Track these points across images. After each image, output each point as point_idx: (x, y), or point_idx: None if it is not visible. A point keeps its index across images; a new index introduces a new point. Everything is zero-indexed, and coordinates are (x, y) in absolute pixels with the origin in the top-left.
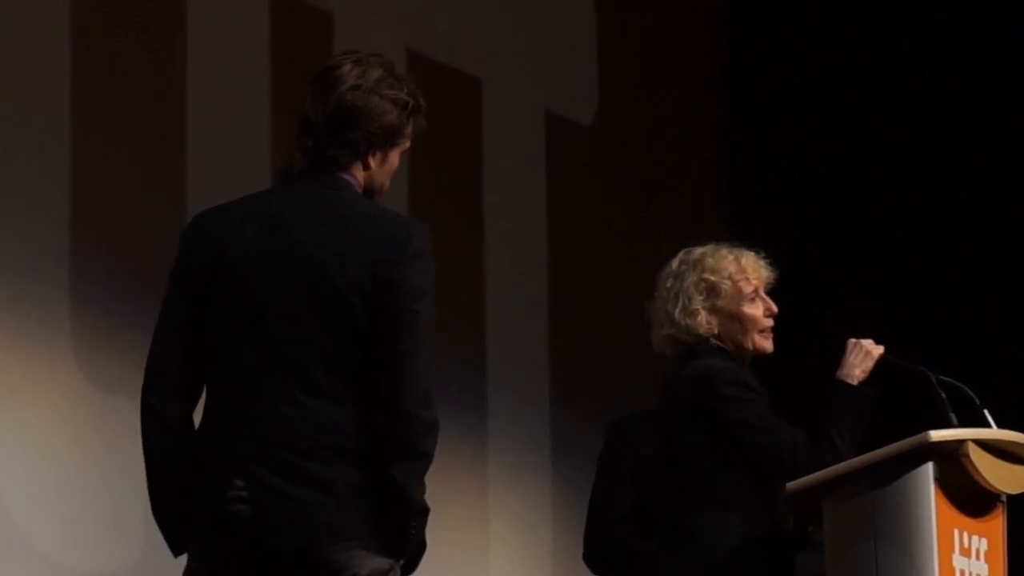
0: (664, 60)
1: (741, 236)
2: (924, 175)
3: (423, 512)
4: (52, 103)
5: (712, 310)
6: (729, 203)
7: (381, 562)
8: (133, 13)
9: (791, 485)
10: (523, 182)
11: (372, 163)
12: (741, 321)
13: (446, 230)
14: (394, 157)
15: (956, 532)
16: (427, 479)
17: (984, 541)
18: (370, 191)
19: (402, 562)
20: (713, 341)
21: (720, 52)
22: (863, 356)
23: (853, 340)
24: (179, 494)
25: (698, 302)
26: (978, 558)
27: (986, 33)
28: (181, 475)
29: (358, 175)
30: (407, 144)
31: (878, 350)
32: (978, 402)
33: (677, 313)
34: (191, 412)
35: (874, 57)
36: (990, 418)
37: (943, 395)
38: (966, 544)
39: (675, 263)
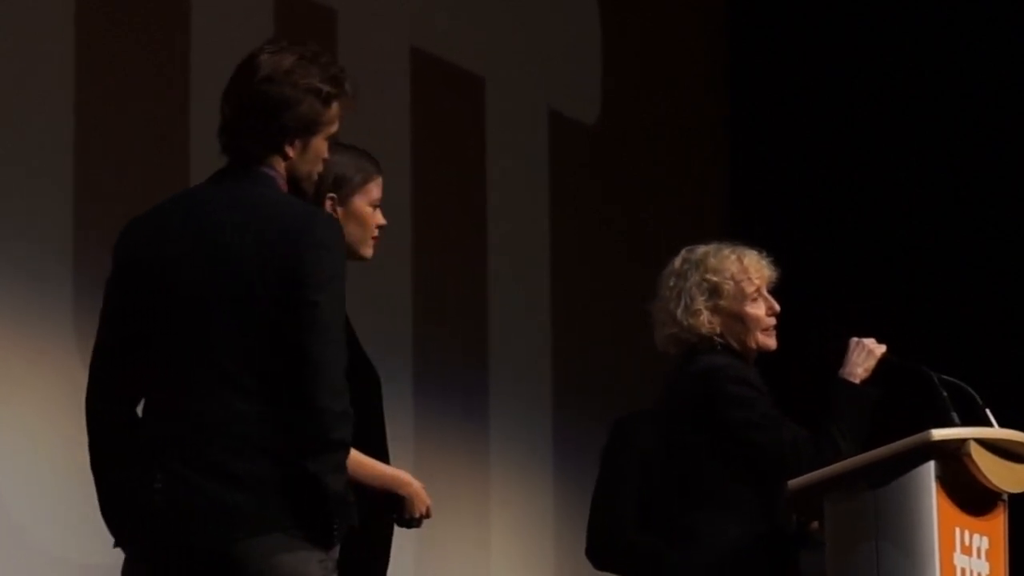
0: (666, 59)
1: (742, 235)
2: (925, 175)
3: (342, 502)
4: (55, 103)
5: (715, 310)
6: (730, 202)
7: (305, 555)
8: (135, 13)
9: (793, 483)
10: (526, 180)
11: (291, 153)
12: (744, 321)
13: (448, 228)
14: (318, 145)
15: (957, 531)
16: (430, 475)
17: (985, 540)
18: (294, 181)
19: (334, 555)
20: (716, 340)
21: (721, 52)
22: (865, 355)
23: (855, 339)
24: (118, 490)
25: (700, 302)
26: (979, 557)
27: (986, 32)
28: (121, 471)
29: (278, 166)
30: (332, 130)
31: (880, 349)
32: (980, 401)
33: (680, 313)
34: (131, 411)
35: (875, 57)
36: (992, 417)
37: (945, 394)
38: (967, 543)
39: (677, 262)
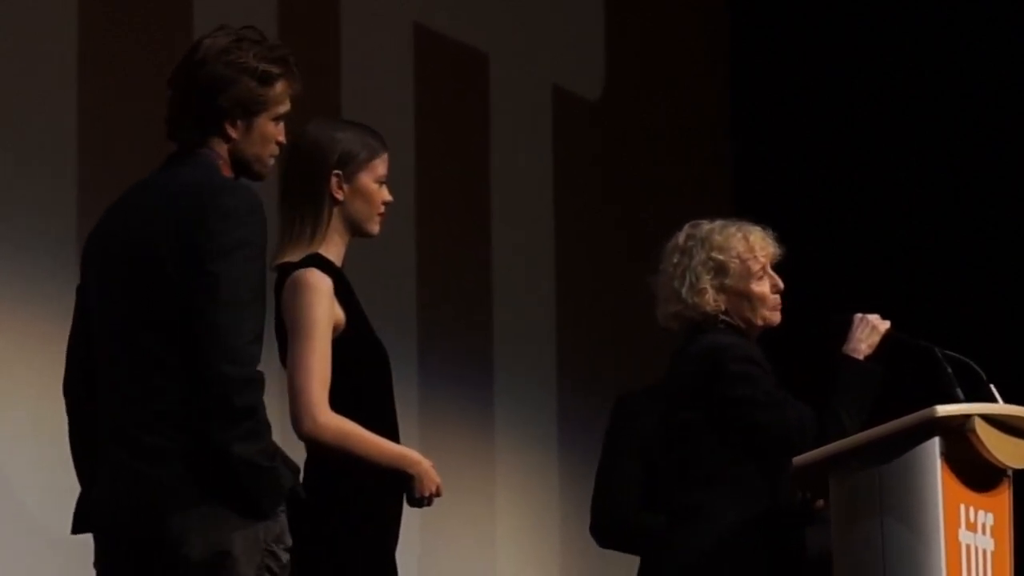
0: (670, 35)
1: (746, 207)
2: (927, 152)
3: (252, 468)
4: (57, 100)
5: (720, 288)
6: (735, 174)
7: (231, 528)
8: (136, 11)
9: (797, 460)
10: (531, 156)
11: (233, 134)
12: (750, 299)
13: (453, 205)
14: (264, 125)
15: (962, 507)
16: (435, 455)
17: (990, 516)
18: (242, 163)
19: (276, 523)
20: (721, 318)
21: (725, 26)
22: (869, 331)
23: (859, 315)
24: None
25: (706, 281)
26: (984, 533)
27: (987, 30)
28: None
29: (219, 148)
30: (280, 110)
31: (884, 325)
32: (984, 377)
33: (684, 291)
34: (91, 398)
35: (877, 42)
36: (996, 393)
37: (949, 370)
38: (972, 519)
39: (681, 238)
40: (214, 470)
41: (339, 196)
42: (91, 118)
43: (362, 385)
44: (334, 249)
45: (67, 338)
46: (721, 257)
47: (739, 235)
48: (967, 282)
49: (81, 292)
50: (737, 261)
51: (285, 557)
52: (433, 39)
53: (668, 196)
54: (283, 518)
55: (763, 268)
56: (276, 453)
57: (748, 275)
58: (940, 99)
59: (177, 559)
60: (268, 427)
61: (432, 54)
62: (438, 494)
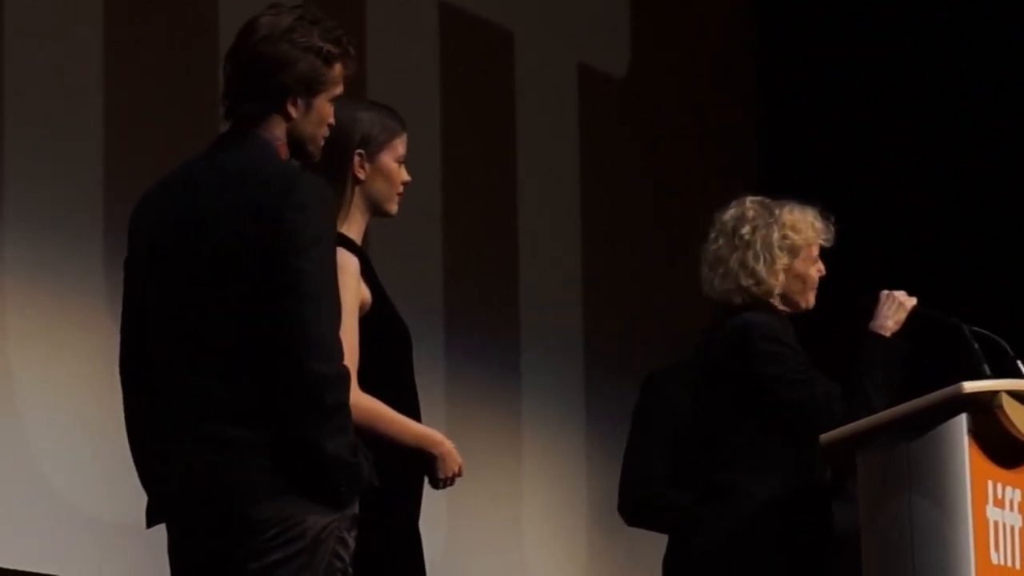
0: (695, 10)
1: (773, 185)
2: (956, 131)
3: (340, 463)
4: (84, 71)
5: (787, 269)
6: (761, 149)
7: (318, 518)
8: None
9: (824, 437)
10: (556, 135)
11: (293, 113)
12: (805, 281)
13: (479, 184)
14: (321, 106)
15: (990, 483)
16: (462, 433)
17: (1018, 492)
18: (298, 143)
19: (351, 512)
20: (777, 297)
21: (752, 2)
22: (896, 308)
23: (886, 292)
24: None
25: (781, 260)
26: (1012, 509)
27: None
28: (141, 451)
29: (277, 129)
30: (337, 91)
31: (911, 302)
32: (1011, 353)
33: (760, 267)
34: (152, 383)
35: (909, 12)
36: None
37: (976, 346)
38: (1000, 495)
39: (748, 211)
40: (301, 463)
41: (361, 176)
42: (117, 101)
43: (385, 364)
44: (355, 228)
45: (99, 300)
46: (797, 239)
47: (809, 218)
48: (994, 258)
49: (130, 266)
50: (806, 245)
51: (352, 544)
52: (458, 17)
53: (694, 173)
54: (356, 506)
55: (820, 253)
56: (359, 447)
57: (810, 259)
58: (973, 73)
59: (255, 545)
60: (352, 420)
61: (457, 33)
62: (459, 474)
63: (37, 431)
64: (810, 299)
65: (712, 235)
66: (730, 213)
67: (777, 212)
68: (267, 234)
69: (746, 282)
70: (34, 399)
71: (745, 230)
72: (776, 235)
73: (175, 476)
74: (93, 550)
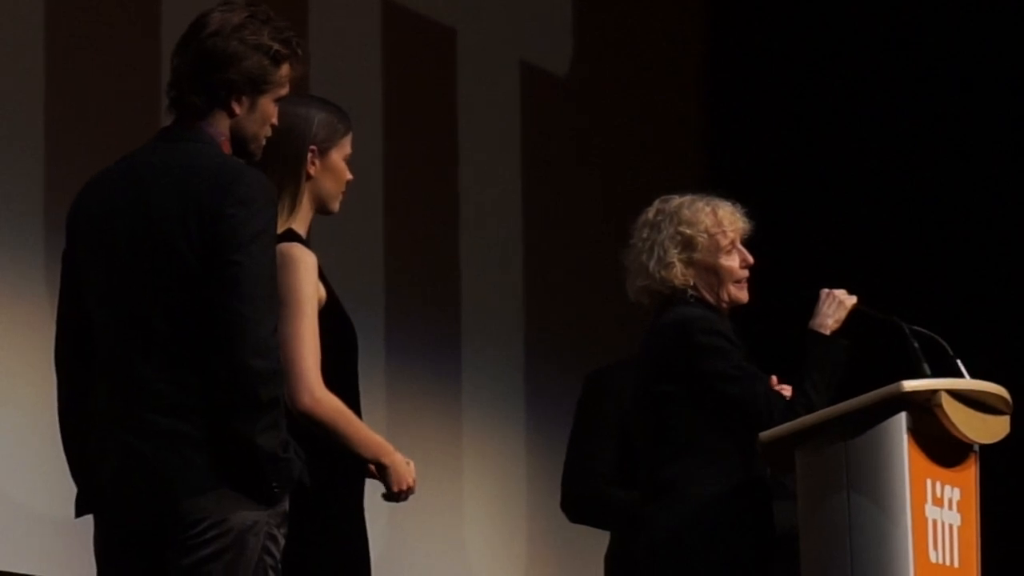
0: (641, 8)
1: (718, 185)
2: (900, 123)
3: (273, 459)
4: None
5: (688, 263)
6: (708, 148)
7: (247, 514)
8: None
9: (764, 435)
10: (497, 132)
11: (238, 110)
12: (717, 273)
13: (420, 180)
14: (266, 105)
15: (929, 482)
16: (401, 428)
17: (957, 491)
18: (240, 141)
19: (281, 508)
20: (690, 292)
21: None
22: (836, 306)
23: (826, 290)
24: (76, 460)
25: (674, 255)
26: (951, 508)
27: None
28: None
29: (221, 124)
30: (282, 91)
31: (851, 300)
32: (951, 352)
33: (652, 265)
34: (86, 377)
35: (856, 15)
36: (963, 368)
37: (916, 345)
38: (939, 494)
39: (651, 213)
40: (233, 457)
41: (311, 172)
42: (58, 92)
43: (334, 362)
44: (303, 225)
45: (38, 291)
46: (689, 231)
47: (707, 209)
48: (934, 257)
49: (68, 259)
50: (705, 235)
51: (282, 540)
52: (401, 14)
53: (639, 171)
54: (286, 503)
55: (732, 243)
56: (290, 443)
57: (716, 249)
58: (912, 74)
59: (186, 540)
60: (284, 417)
61: (400, 29)
62: (412, 490)
63: None
64: (733, 292)
65: (630, 242)
66: (640, 218)
67: (674, 208)
68: (208, 228)
69: (644, 281)
70: None
71: (645, 232)
72: (669, 231)
73: (108, 466)
74: (38, 545)
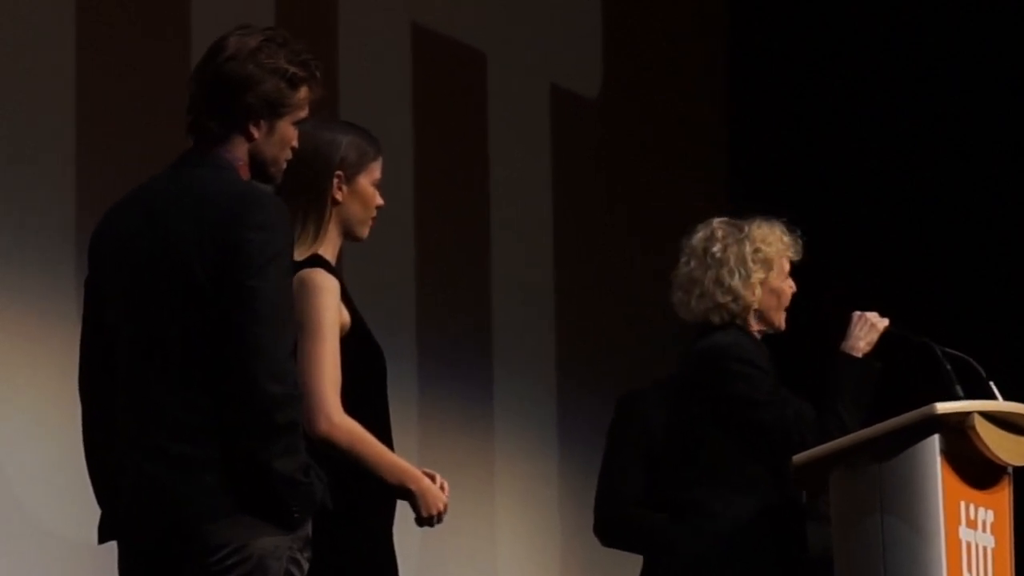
0: (668, 32)
1: (744, 203)
2: (928, 143)
3: (290, 483)
4: (56, 85)
5: (763, 283)
6: (733, 170)
7: (269, 539)
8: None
9: (798, 458)
10: (528, 156)
11: (256, 134)
12: (779, 297)
13: (451, 205)
14: (284, 128)
15: (962, 504)
16: (433, 452)
17: (991, 513)
18: (259, 165)
19: (303, 533)
20: (753, 313)
21: (724, 24)
22: (868, 328)
23: (858, 313)
24: (99, 486)
25: (757, 273)
26: (984, 530)
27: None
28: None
29: (239, 149)
30: (301, 114)
31: (883, 322)
32: (984, 374)
33: (736, 282)
34: (109, 401)
35: (878, 33)
36: (996, 390)
37: (949, 367)
38: (972, 516)
39: (717, 231)
40: (250, 483)
41: (338, 198)
42: (89, 113)
43: (361, 387)
44: (331, 250)
45: (69, 317)
46: (769, 251)
47: (778, 232)
48: (967, 279)
49: (90, 287)
50: (778, 258)
51: (306, 565)
52: (431, 38)
53: (667, 193)
54: (308, 527)
55: (791, 267)
56: (311, 467)
57: (783, 273)
58: (940, 91)
59: (208, 566)
60: (304, 440)
61: (430, 54)
62: (444, 512)
63: (3, 447)
64: (782, 319)
65: (683, 259)
66: (698, 236)
67: (746, 228)
68: (224, 253)
69: (723, 299)
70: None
71: (716, 248)
72: (748, 249)
73: (124, 490)
74: (56, 566)
